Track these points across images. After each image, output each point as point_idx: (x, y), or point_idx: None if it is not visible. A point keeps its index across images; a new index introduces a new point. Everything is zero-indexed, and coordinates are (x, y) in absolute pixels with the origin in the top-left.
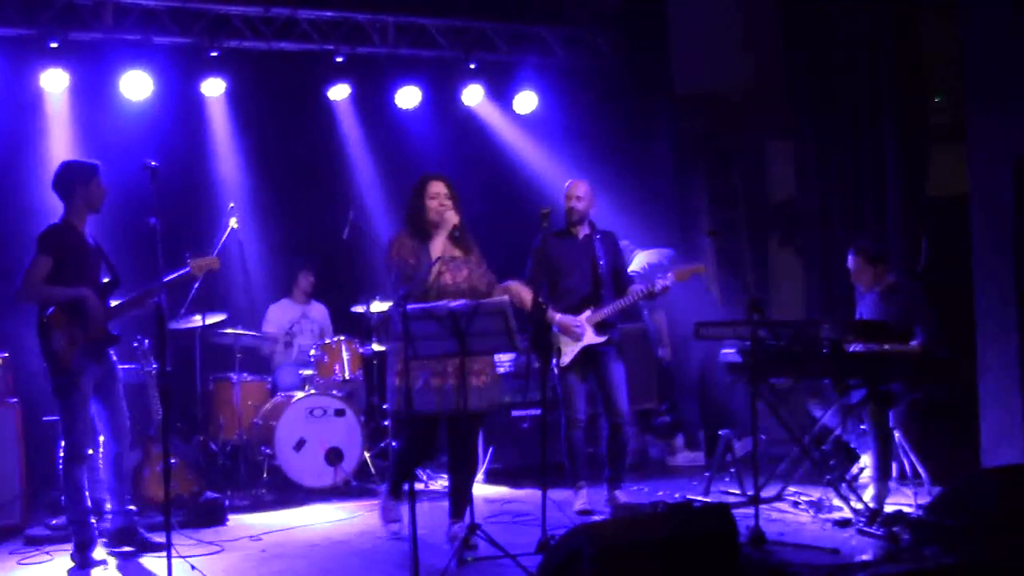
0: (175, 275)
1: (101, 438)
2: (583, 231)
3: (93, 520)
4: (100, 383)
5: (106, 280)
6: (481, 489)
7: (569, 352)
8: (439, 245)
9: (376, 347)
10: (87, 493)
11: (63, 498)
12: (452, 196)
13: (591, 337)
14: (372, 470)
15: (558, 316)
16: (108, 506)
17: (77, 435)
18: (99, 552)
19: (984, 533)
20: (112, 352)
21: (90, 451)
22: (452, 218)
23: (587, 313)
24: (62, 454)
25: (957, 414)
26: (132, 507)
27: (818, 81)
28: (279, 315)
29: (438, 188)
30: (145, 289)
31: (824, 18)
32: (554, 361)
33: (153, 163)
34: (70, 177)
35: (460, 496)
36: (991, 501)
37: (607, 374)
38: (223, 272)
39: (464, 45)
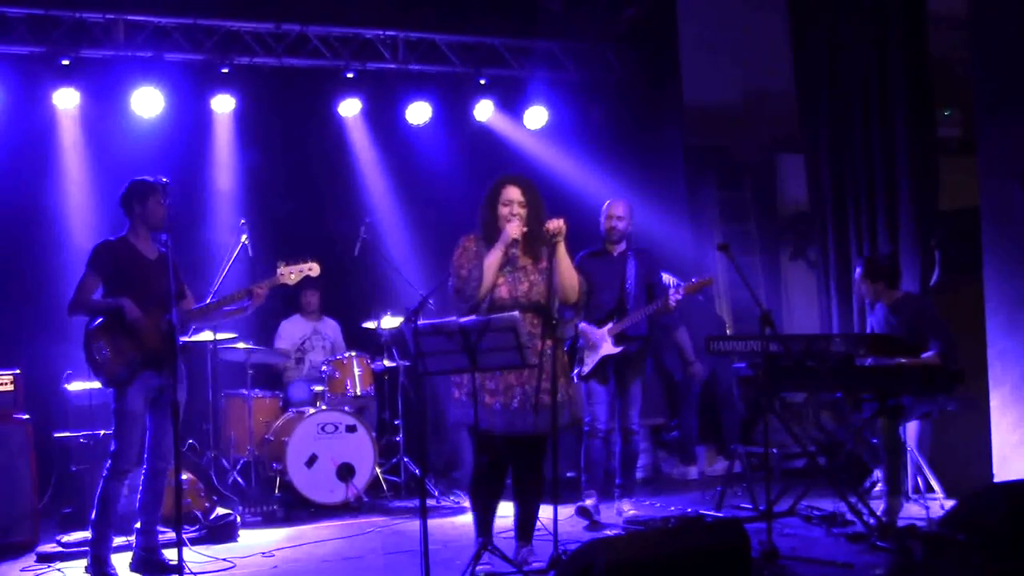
0: (266, 282)
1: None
2: (619, 248)
3: (113, 536)
4: (157, 398)
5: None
6: None
7: (590, 362)
8: (498, 255)
9: (387, 363)
10: (117, 508)
11: (93, 506)
12: (527, 203)
13: (609, 348)
14: (384, 486)
15: (581, 325)
16: (137, 525)
17: (120, 449)
18: (118, 568)
19: (996, 547)
20: (183, 368)
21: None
22: (513, 231)
23: (609, 325)
24: (109, 463)
25: (970, 427)
26: (160, 528)
27: (829, 94)
28: (291, 331)
29: (512, 194)
30: (222, 296)
31: (834, 31)
32: (576, 370)
33: (164, 179)
34: (129, 194)
35: (523, 520)
36: (1003, 515)
37: (623, 384)
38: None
39: (474, 60)
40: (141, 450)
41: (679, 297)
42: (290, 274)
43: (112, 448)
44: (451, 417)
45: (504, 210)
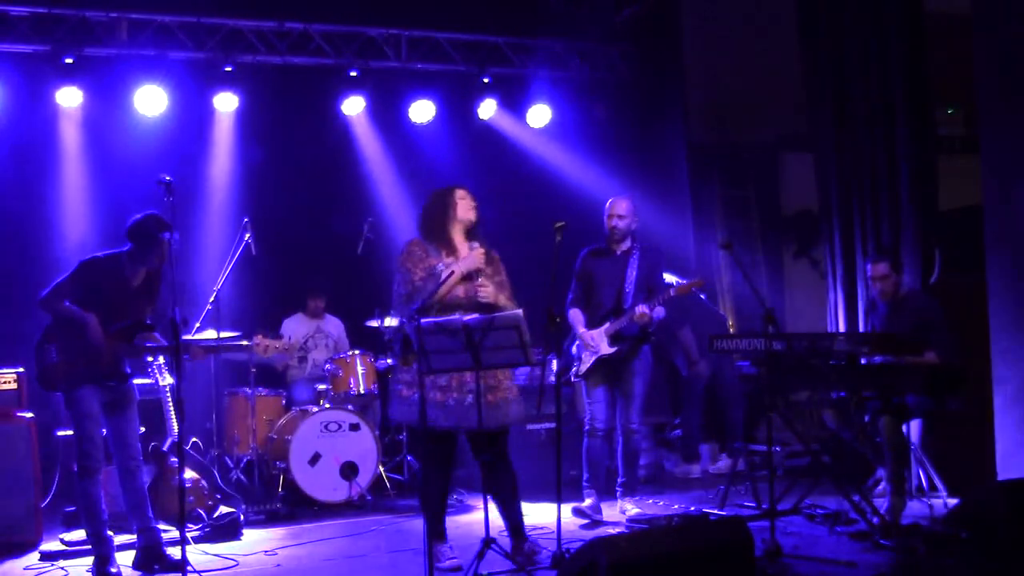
0: (229, 342)
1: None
2: (622, 247)
3: (110, 533)
4: (110, 404)
5: (139, 322)
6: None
7: (587, 362)
8: (458, 277)
9: (391, 361)
10: (103, 507)
11: (80, 514)
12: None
13: (605, 348)
14: (387, 484)
15: (580, 329)
16: (134, 526)
17: (85, 449)
18: (123, 569)
19: (999, 545)
20: (129, 384)
21: (105, 466)
22: (479, 262)
23: (606, 325)
24: (75, 466)
25: (974, 425)
26: (157, 525)
27: (835, 92)
28: (293, 329)
29: (464, 193)
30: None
31: (838, 28)
32: (573, 369)
33: (168, 178)
34: (135, 231)
35: (512, 518)
36: (1005, 513)
37: (621, 384)
38: (237, 286)
39: (478, 59)
40: (106, 447)
41: (646, 311)
42: (265, 349)
43: (77, 449)
44: (395, 415)
45: (463, 202)
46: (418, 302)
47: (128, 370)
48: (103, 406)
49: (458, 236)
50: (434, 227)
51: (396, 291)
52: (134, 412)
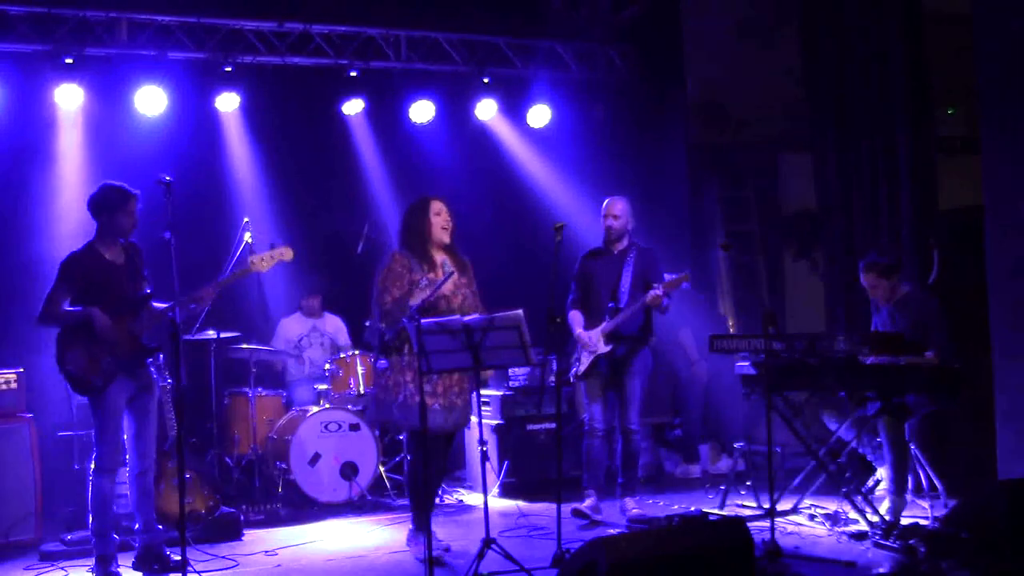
0: (230, 274)
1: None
2: (619, 247)
3: (115, 535)
4: (134, 397)
5: (140, 295)
6: (496, 503)
7: (584, 361)
8: (427, 297)
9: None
10: (113, 507)
11: (89, 510)
12: (451, 215)
13: (601, 347)
14: (387, 484)
15: (577, 331)
16: (137, 526)
17: (105, 447)
18: (122, 569)
19: (998, 546)
20: (152, 369)
21: (124, 468)
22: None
23: (603, 324)
24: (92, 465)
25: (973, 426)
26: (159, 526)
27: (835, 92)
28: (289, 328)
29: (440, 207)
30: (191, 293)
31: (839, 28)
32: (572, 370)
33: (167, 178)
34: (100, 202)
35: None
36: (1005, 513)
37: (619, 384)
38: (238, 286)
39: (477, 59)
40: (123, 446)
41: (658, 293)
42: (261, 262)
43: (95, 447)
44: (400, 419)
45: (437, 219)
46: (397, 319)
47: (151, 344)
48: (128, 401)
49: (437, 251)
50: (413, 242)
51: (374, 307)
52: (154, 410)
